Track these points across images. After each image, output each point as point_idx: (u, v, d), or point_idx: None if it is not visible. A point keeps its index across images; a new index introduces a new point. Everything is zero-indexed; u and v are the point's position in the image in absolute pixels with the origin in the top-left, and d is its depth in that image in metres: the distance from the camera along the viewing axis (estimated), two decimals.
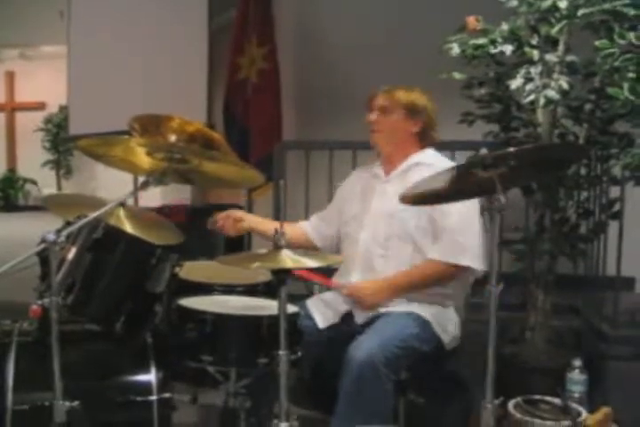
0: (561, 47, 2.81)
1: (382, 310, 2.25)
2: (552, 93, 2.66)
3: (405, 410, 2.28)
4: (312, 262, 1.84)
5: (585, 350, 2.94)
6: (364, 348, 2.05)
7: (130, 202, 2.31)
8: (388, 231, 2.30)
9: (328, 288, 2.38)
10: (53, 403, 1.69)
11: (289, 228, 2.48)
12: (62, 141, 10.42)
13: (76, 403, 1.72)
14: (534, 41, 2.81)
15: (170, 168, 1.87)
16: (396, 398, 2.23)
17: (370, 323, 2.23)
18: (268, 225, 2.42)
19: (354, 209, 2.44)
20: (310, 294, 2.53)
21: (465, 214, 2.21)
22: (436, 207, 2.20)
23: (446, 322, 2.27)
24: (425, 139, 2.39)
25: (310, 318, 2.31)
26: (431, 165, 2.26)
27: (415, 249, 2.28)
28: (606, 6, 2.56)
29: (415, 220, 2.26)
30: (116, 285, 2.01)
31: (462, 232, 2.21)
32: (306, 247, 2.49)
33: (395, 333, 2.13)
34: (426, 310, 2.24)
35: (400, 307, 2.25)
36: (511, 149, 1.72)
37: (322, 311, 2.34)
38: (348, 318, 2.32)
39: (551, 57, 2.75)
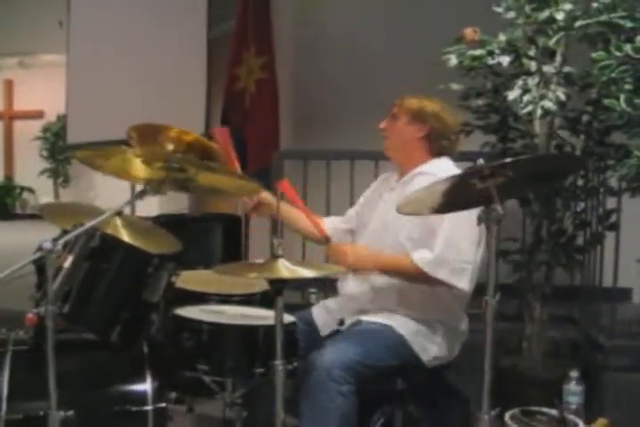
0: (558, 58, 2.82)
1: (363, 317, 2.23)
2: (549, 104, 2.67)
3: (403, 422, 2.27)
4: (309, 272, 1.84)
5: (582, 360, 2.93)
6: (323, 352, 2.04)
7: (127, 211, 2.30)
8: (383, 241, 2.28)
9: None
10: (48, 412, 1.68)
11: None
12: (60, 150, 10.43)
13: (70, 413, 1.72)
14: (532, 52, 2.82)
15: (168, 177, 1.88)
16: (393, 411, 2.23)
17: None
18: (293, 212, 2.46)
19: (364, 217, 2.44)
20: (308, 304, 2.52)
21: (459, 228, 2.12)
22: (432, 217, 2.12)
23: (427, 342, 2.21)
24: (434, 147, 2.33)
25: (309, 324, 2.31)
26: (433, 175, 2.16)
27: None
28: (603, 18, 2.58)
29: (406, 231, 2.22)
30: (113, 294, 2.00)
31: (453, 246, 2.12)
32: (314, 236, 2.41)
33: (358, 339, 2.11)
34: (405, 325, 2.20)
35: (378, 318, 2.22)
36: (508, 160, 1.73)
37: (324, 319, 2.35)
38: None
39: (548, 68, 2.76)
